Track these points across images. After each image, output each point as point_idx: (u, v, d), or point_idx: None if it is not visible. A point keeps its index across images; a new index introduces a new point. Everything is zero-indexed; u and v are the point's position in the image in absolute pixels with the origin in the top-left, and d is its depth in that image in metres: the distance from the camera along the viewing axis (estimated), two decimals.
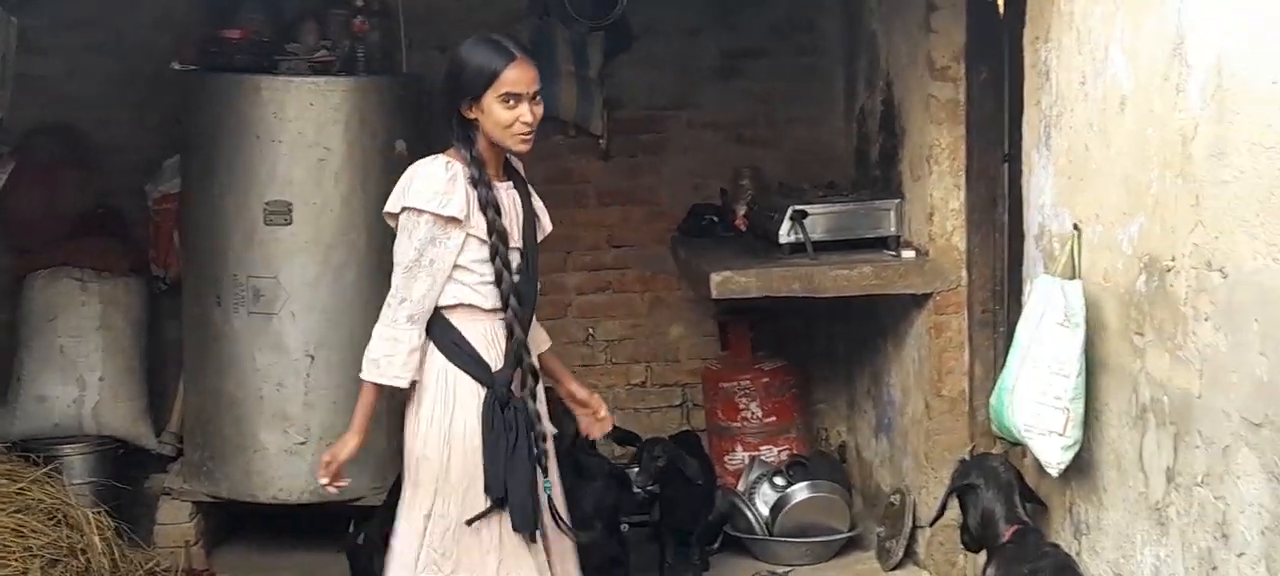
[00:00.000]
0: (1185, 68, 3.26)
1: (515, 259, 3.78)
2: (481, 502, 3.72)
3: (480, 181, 3.69)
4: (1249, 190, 2.97)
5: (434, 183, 3.67)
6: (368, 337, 5.84)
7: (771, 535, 6.02)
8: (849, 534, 6.08)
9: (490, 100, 3.66)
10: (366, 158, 5.76)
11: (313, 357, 5.74)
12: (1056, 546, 4.00)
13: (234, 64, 5.79)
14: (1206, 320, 3.22)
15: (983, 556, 4.14)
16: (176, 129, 6.07)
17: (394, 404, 4.09)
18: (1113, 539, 3.86)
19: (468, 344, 3.76)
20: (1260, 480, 2.98)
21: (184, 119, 5.92)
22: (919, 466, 5.63)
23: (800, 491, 6.12)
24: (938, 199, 5.43)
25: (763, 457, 6.52)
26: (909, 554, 5.75)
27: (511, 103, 3.66)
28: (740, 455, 6.61)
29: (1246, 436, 3.04)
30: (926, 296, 5.50)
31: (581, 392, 4.22)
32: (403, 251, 3.69)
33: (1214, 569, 3.23)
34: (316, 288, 5.72)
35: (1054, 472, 3.93)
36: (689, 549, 5.75)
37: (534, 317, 3.97)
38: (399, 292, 3.71)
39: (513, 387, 3.74)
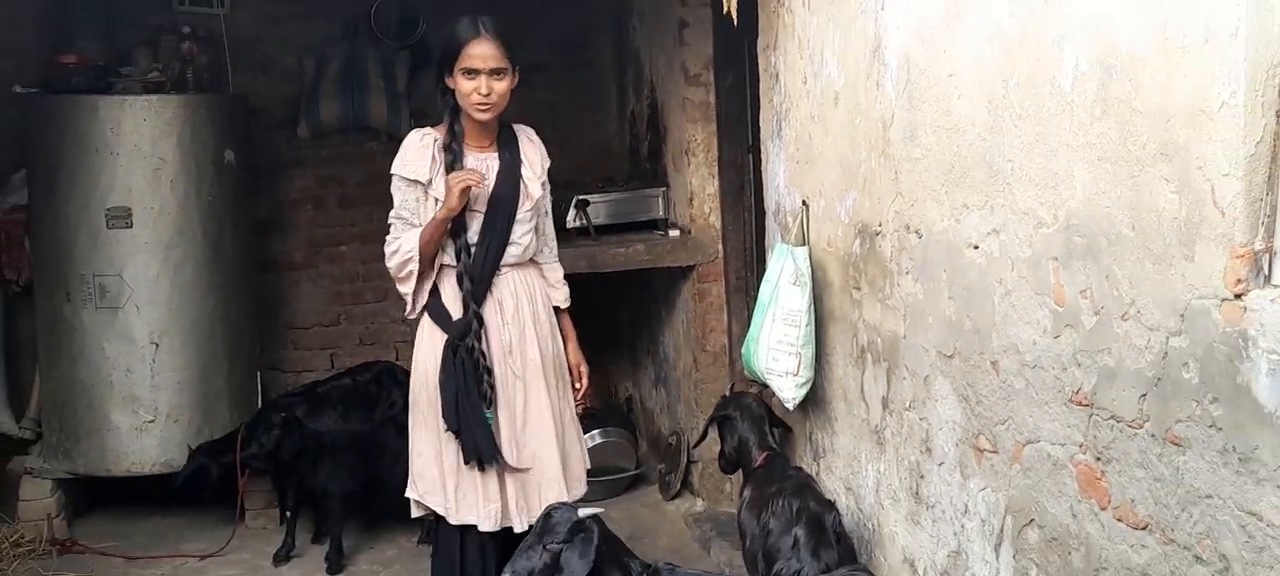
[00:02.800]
0: (882, 66, 3.33)
1: (474, 221, 3.69)
2: (441, 434, 3.73)
3: (449, 149, 3.64)
4: (935, 164, 3.06)
5: (408, 150, 3.69)
6: (207, 326, 5.70)
7: None
8: (635, 471, 6.11)
9: (457, 72, 3.60)
10: (199, 167, 5.58)
11: (157, 345, 5.54)
12: (800, 468, 4.09)
13: (72, 86, 5.55)
14: (907, 274, 3.32)
15: (740, 479, 4.21)
16: (21, 146, 5.74)
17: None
18: (843, 459, 3.96)
19: (439, 297, 3.76)
20: (952, 401, 3.08)
21: (28, 137, 5.60)
22: (690, 411, 5.69)
23: (593, 437, 6.12)
24: (696, 186, 5.47)
25: None
26: (685, 484, 5.82)
27: (471, 76, 3.58)
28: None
29: (941, 366, 3.14)
30: (691, 268, 5.56)
31: (572, 359, 4.16)
32: (394, 208, 3.73)
33: (922, 477, 3.33)
34: (158, 283, 5.51)
35: (790, 406, 4.01)
36: (328, 514, 5.33)
37: (549, 270, 4.03)
38: (392, 243, 3.74)
39: (467, 337, 3.68)
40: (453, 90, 3.65)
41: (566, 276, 5.60)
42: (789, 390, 3.96)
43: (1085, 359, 2.43)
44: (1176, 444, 2.14)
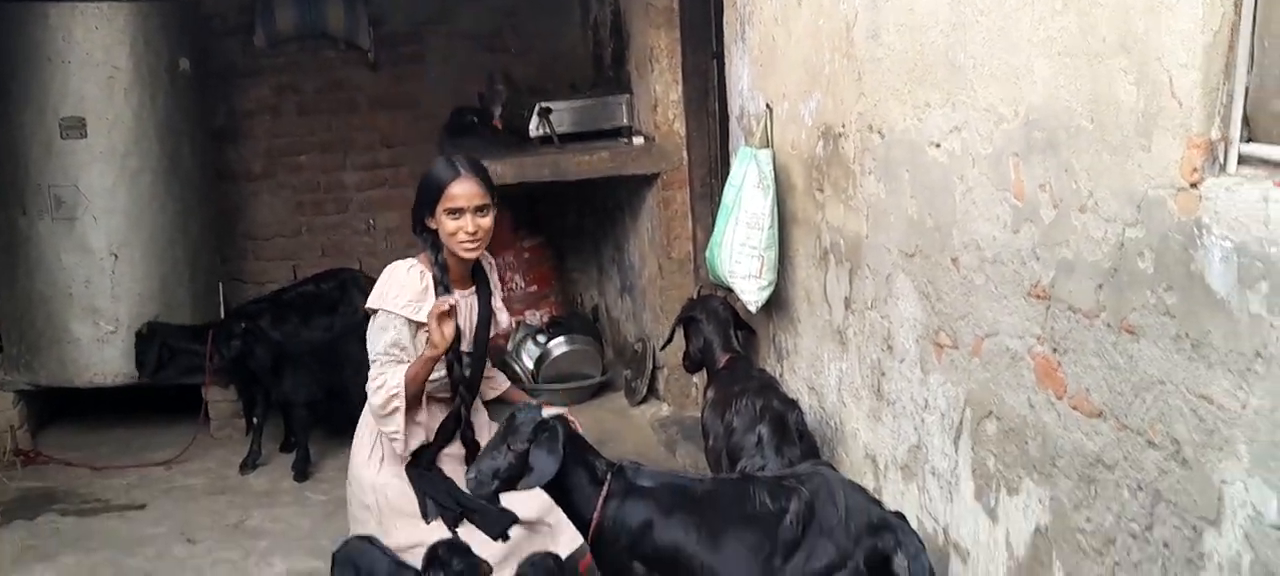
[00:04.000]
0: None
1: (465, 360, 3.69)
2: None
3: (442, 285, 3.57)
4: (897, 64, 3.07)
5: (398, 286, 3.56)
6: (167, 237, 5.66)
7: (537, 383, 6.06)
8: (601, 378, 6.17)
9: (439, 212, 3.52)
10: (153, 75, 5.52)
11: (116, 256, 5.52)
12: (763, 370, 4.14)
13: None
14: (870, 174, 3.34)
15: (704, 379, 4.26)
16: None
17: None
18: (806, 359, 4.01)
19: None
20: (913, 299, 3.13)
21: None
22: (656, 318, 5.72)
23: (558, 346, 6.18)
24: (660, 92, 5.46)
25: (527, 321, 6.54)
26: (651, 390, 5.88)
27: (455, 215, 3.52)
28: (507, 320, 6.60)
29: (902, 265, 3.18)
30: (655, 176, 5.55)
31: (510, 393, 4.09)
32: (376, 345, 3.55)
33: (883, 375, 3.39)
34: (115, 193, 5.48)
35: (753, 309, 4.05)
36: (294, 422, 5.38)
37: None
38: (376, 379, 3.54)
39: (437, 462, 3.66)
40: (434, 230, 3.61)
41: (529, 184, 5.64)
42: (752, 293, 4.00)
43: (1044, 252, 2.47)
44: (1131, 332, 2.19)
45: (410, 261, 3.66)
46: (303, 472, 5.26)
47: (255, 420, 5.46)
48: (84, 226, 5.46)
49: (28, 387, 5.69)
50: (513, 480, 3.00)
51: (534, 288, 6.66)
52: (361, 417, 3.77)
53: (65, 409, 5.99)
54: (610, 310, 6.78)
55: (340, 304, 6.03)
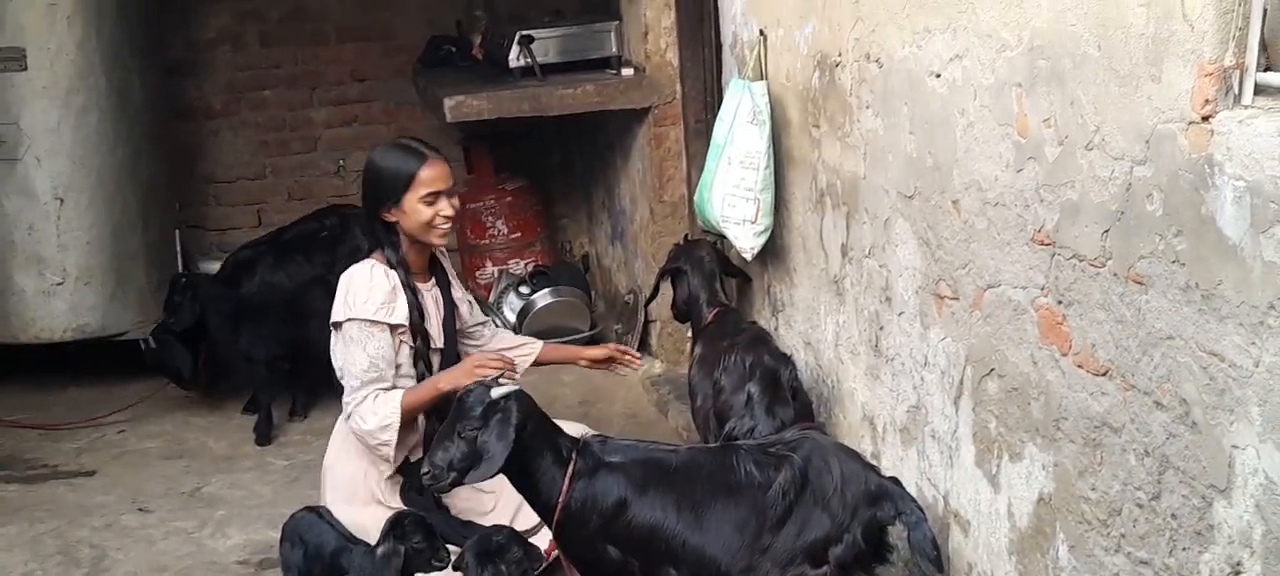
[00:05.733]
0: None
1: (435, 359, 3.74)
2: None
3: (408, 287, 3.62)
4: None
5: (368, 289, 3.58)
6: (117, 181, 5.62)
7: None
8: (589, 332, 6.12)
9: (411, 201, 3.57)
10: (98, 1, 5.42)
11: (62, 201, 5.47)
12: (754, 323, 4.10)
13: None
14: (868, 108, 3.28)
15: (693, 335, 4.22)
16: None
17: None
18: (803, 312, 3.97)
19: None
20: (912, 245, 3.08)
21: None
22: (649, 267, 5.66)
23: (543, 297, 6.15)
24: (651, 19, 5.37)
25: (511, 270, 6.50)
26: (643, 345, 5.83)
27: (431, 199, 3.57)
28: (489, 270, 6.58)
29: (901, 208, 3.13)
30: (646, 110, 5.47)
31: (602, 354, 4.13)
32: (355, 361, 3.56)
33: (881, 328, 3.35)
34: (59, 133, 5.41)
35: (748, 256, 4.00)
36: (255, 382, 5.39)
37: (503, 341, 4.06)
38: (363, 403, 3.57)
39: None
40: (394, 223, 3.63)
41: (506, 121, 5.58)
42: (747, 239, 3.94)
43: (1048, 193, 2.41)
44: (1139, 283, 2.14)
45: (369, 263, 3.69)
46: (265, 436, 5.24)
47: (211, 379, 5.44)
48: (26, 168, 5.40)
49: None
50: (469, 469, 2.95)
51: (517, 235, 6.61)
52: (337, 435, 3.75)
53: (9, 367, 5.96)
54: (601, 259, 6.74)
55: (342, 241, 5.93)
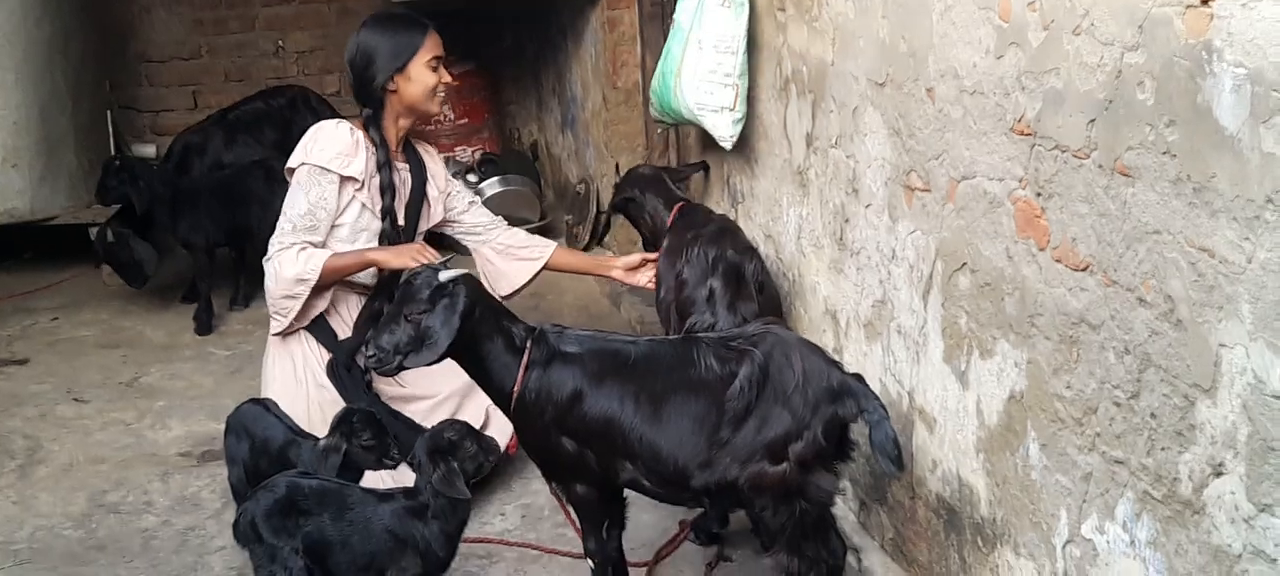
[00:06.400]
0: None
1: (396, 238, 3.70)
2: None
3: (385, 163, 3.61)
4: None
5: (330, 141, 3.57)
6: (44, 59, 5.51)
7: None
8: (540, 223, 6.03)
9: (418, 67, 3.60)
10: None
11: None
12: (723, 215, 3.98)
13: None
14: None
15: None
16: None
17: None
18: (763, 204, 3.89)
19: (323, 316, 3.66)
20: (882, 135, 3.00)
21: None
22: (600, 156, 5.58)
23: (492, 186, 6.02)
24: None
25: (457, 158, 6.35)
26: (594, 235, 5.74)
27: (435, 65, 3.64)
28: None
29: (871, 96, 3.04)
30: None
31: (636, 261, 4.00)
32: (295, 204, 3.54)
33: (846, 221, 3.27)
34: None
35: (727, 146, 3.88)
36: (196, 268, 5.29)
37: (510, 238, 4.01)
38: (286, 250, 3.51)
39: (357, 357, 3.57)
40: (395, 91, 3.63)
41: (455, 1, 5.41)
42: (725, 127, 3.81)
43: (1030, 81, 2.33)
44: (1125, 175, 2.08)
45: (338, 120, 3.72)
46: (205, 325, 5.13)
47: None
48: None
49: None
50: (413, 353, 2.87)
51: (464, 121, 6.46)
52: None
53: None
54: (550, 148, 6.61)
55: (292, 122, 5.77)
